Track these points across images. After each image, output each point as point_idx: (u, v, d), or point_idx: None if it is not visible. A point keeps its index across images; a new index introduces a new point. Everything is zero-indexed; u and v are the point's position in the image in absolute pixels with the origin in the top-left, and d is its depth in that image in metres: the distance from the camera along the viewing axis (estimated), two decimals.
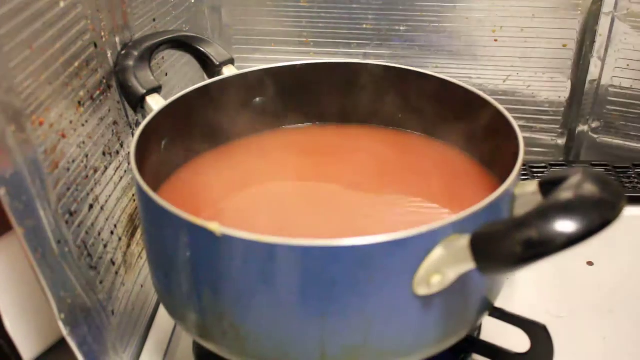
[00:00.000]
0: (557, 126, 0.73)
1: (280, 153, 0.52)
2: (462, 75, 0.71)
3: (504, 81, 0.71)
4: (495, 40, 0.69)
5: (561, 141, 0.74)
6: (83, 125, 0.43)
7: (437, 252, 0.33)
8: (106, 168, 0.46)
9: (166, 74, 0.60)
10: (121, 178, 0.48)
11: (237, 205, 0.46)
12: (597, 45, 0.68)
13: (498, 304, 0.42)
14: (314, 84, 0.53)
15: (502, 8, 0.68)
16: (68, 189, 0.40)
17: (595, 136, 0.73)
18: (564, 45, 0.68)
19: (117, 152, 0.48)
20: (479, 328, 0.47)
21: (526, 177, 0.67)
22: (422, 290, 0.34)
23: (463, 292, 0.37)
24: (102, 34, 0.47)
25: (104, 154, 0.46)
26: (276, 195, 0.48)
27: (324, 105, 0.54)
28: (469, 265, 0.32)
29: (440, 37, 0.70)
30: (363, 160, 0.51)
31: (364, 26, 0.71)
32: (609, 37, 0.67)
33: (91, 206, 0.43)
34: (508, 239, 0.30)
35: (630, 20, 0.66)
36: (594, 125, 0.72)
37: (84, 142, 0.43)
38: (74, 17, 0.42)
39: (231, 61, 0.53)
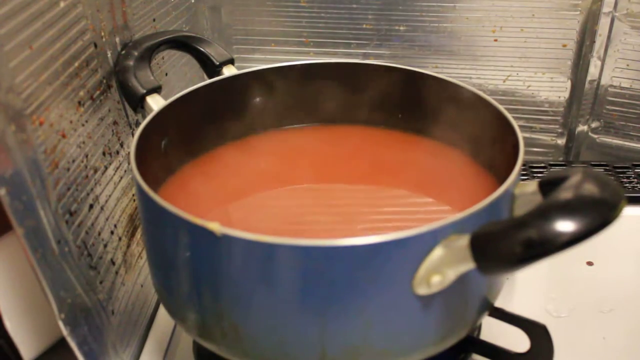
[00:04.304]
0: (557, 126, 0.73)
1: (280, 153, 0.52)
2: (462, 75, 0.71)
3: (504, 81, 0.71)
4: (495, 40, 0.69)
5: (561, 141, 0.74)
6: (83, 125, 0.43)
7: (437, 252, 0.33)
8: (106, 168, 0.46)
9: (166, 74, 0.60)
10: (121, 178, 0.48)
11: (237, 205, 0.46)
12: (596, 45, 0.68)
13: (498, 304, 0.42)
14: (314, 84, 0.53)
15: (502, 8, 0.68)
16: (68, 189, 0.40)
17: (595, 136, 0.73)
18: (564, 45, 0.68)
19: (117, 152, 0.48)
20: (479, 328, 0.47)
21: (526, 177, 0.67)
22: (422, 290, 0.34)
23: (463, 292, 0.37)
24: (102, 34, 0.47)
25: (104, 154, 0.46)
26: (276, 195, 0.48)
27: (324, 105, 0.54)
28: (469, 265, 0.32)
29: (440, 37, 0.70)
30: (363, 160, 0.51)
31: (364, 26, 0.71)
32: (608, 37, 0.67)
33: (91, 206, 0.43)
34: (508, 239, 0.30)
35: (630, 20, 0.66)
36: (593, 125, 0.72)
37: (84, 142, 0.43)
38: (74, 17, 0.42)
39: (231, 61, 0.53)
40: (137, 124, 0.52)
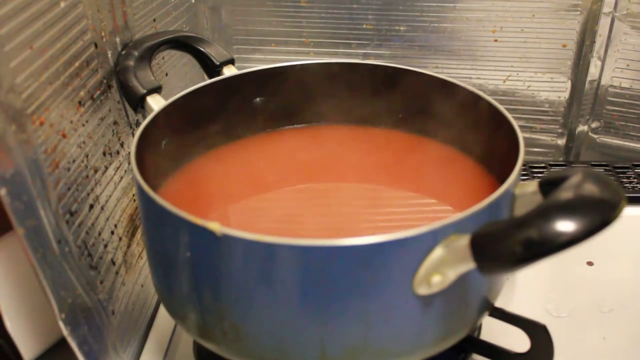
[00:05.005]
0: (557, 126, 0.73)
1: (280, 153, 0.52)
2: (462, 75, 0.71)
3: (504, 81, 0.71)
4: (495, 40, 0.69)
5: (561, 141, 0.74)
6: (83, 125, 0.43)
7: (437, 252, 0.33)
8: (106, 168, 0.46)
9: (166, 74, 0.60)
10: (121, 178, 0.48)
11: (237, 205, 0.46)
12: (596, 46, 0.68)
13: (498, 304, 0.42)
14: (314, 84, 0.53)
15: (502, 8, 0.68)
16: (68, 189, 0.40)
17: (595, 136, 0.73)
18: (564, 46, 0.68)
19: (118, 152, 0.48)
20: (479, 328, 0.47)
21: (526, 177, 0.67)
22: (422, 290, 0.34)
23: (463, 292, 0.37)
24: (103, 34, 0.47)
25: (104, 154, 0.46)
26: (276, 195, 0.48)
27: (323, 105, 0.54)
28: (469, 265, 0.32)
29: (440, 37, 0.70)
30: (363, 160, 0.51)
31: (364, 26, 0.71)
32: (608, 37, 0.67)
33: (91, 206, 0.43)
34: (508, 239, 0.30)
35: (630, 21, 0.66)
36: (593, 125, 0.72)
37: (84, 142, 0.43)
38: (74, 17, 0.42)
39: (231, 61, 0.53)
40: (138, 124, 0.52)
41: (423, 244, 0.33)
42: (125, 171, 0.49)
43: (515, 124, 0.42)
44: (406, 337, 0.36)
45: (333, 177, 0.50)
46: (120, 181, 0.48)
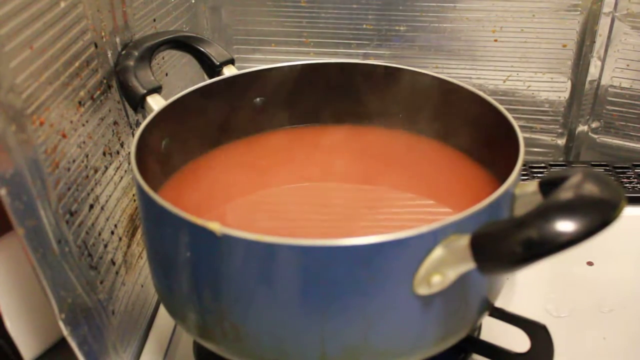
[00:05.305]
0: (557, 126, 0.73)
1: (280, 153, 0.52)
2: (462, 75, 0.71)
3: (504, 81, 0.71)
4: (495, 40, 0.69)
5: (561, 141, 0.74)
6: (83, 125, 0.43)
7: (437, 252, 0.33)
8: (106, 168, 0.46)
9: (166, 74, 0.60)
10: (121, 178, 0.48)
11: (238, 205, 0.46)
12: (597, 46, 0.68)
13: (498, 304, 0.42)
14: (314, 84, 0.53)
15: (502, 8, 0.68)
16: (68, 189, 0.40)
17: (595, 136, 0.73)
18: (564, 46, 0.68)
19: (118, 152, 0.48)
20: (479, 328, 0.47)
21: (526, 177, 0.67)
22: (422, 290, 0.34)
23: (463, 292, 0.37)
24: (103, 34, 0.47)
25: (104, 154, 0.46)
26: (276, 195, 0.48)
27: (323, 106, 0.54)
28: (469, 265, 0.32)
29: (440, 37, 0.70)
30: (363, 160, 0.51)
31: (364, 26, 0.71)
32: (608, 37, 0.67)
33: (91, 206, 0.43)
34: (508, 239, 0.30)
35: (630, 21, 0.66)
36: (593, 125, 0.72)
37: (84, 142, 0.43)
38: (74, 17, 0.42)
39: (231, 61, 0.53)
40: (138, 124, 0.52)
41: (423, 244, 0.33)
42: (125, 171, 0.49)
43: (515, 124, 0.42)
44: (406, 337, 0.36)
45: (333, 177, 0.50)
46: (120, 181, 0.48)
